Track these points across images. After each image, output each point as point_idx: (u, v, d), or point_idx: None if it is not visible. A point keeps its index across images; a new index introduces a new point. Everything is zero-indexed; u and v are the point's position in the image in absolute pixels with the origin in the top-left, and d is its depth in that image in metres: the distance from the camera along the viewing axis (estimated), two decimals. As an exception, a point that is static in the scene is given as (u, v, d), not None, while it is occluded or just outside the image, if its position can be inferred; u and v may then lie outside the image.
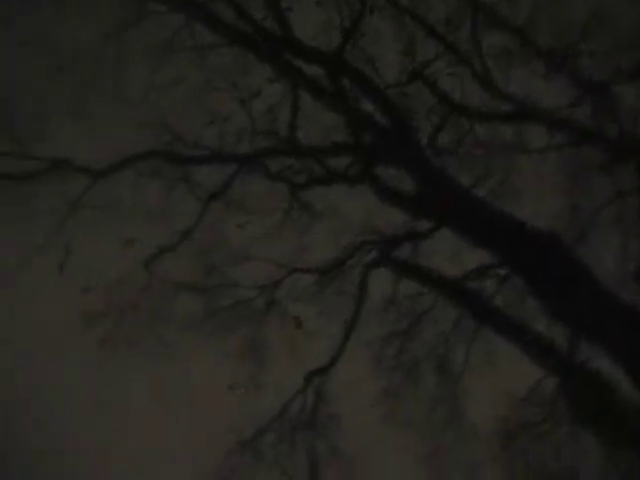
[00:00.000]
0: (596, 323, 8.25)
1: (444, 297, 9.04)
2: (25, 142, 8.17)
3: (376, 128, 8.87)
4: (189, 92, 8.45)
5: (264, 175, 8.83)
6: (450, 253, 8.90)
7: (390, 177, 8.96)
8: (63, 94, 8.12)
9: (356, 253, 9.01)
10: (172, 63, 8.40)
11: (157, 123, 8.39)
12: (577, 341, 8.59)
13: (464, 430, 8.79)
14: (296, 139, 8.87)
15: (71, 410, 8.15)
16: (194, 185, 8.64)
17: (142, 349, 8.35)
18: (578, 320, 8.42)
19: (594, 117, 8.66)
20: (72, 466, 7.99)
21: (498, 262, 8.86)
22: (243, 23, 8.64)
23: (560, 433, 8.66)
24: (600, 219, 8.60)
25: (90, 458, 8.15)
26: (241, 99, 8.72)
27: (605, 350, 8.28)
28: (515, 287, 8.85)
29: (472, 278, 9.00)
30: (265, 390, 8.66)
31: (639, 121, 8.54)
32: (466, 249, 8.86)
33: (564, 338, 8.62)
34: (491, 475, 8.61)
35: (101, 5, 8.19)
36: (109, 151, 8.29)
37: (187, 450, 8.29)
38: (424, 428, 8.78)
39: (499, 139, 9.03)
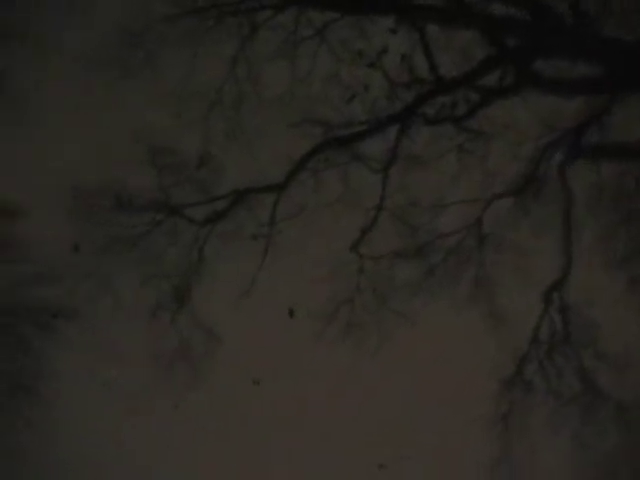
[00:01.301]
0: None
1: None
2: (206, 186, 8.69)
3: (515, 27, 8.44)
4: (323, 77, 8.57)
5: (424, 123, 8.70)
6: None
7: (549, 68, 8.48)
8: (219, 130, 8.56)
9: (544, 158, 8.61)
10: (299, 56, 8.55)
11: (308, 118, 8.55)
12: None
13: None
14: (440, 75, 8.63)
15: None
16: (366, 161, 8.70)
17: (379, 325, 8.59)
18: None
19: None
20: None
21: None
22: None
23: None
24: None
25: (362, 417, 8.48)
26: (371, 63, 8.68)
27: None
28: None
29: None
30: (511, 323, 8.54)
31: None
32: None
33: None
34: None
35: (218, 32, 8.53)
36: (279, 162, 8.58)
37: (454, 403, 8.39)
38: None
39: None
